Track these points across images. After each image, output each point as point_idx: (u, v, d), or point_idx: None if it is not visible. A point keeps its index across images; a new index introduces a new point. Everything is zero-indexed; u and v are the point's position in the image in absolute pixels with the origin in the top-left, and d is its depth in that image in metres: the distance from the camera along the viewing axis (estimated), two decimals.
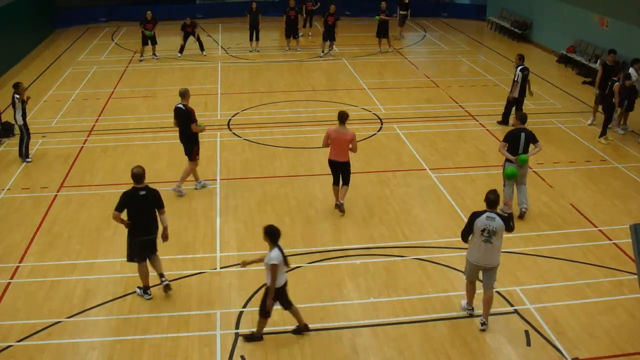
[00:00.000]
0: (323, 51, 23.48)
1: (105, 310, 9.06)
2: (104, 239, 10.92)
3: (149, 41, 22.35)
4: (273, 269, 7.83)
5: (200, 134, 12.44)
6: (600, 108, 15.89)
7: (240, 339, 8.43)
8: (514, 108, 15.67)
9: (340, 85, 19.84)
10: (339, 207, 11.73)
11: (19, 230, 11.23)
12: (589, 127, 16.18)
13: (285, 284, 8.13)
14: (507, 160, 11.44)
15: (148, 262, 9.17)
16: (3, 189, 12.80)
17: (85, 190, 12.77)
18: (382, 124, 16.35)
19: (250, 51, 23.91)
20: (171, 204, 11.87)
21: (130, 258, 9.14)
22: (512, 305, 9.16)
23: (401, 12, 26.35)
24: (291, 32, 23.87)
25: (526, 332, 8.63)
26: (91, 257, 10.39)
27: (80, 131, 15.87)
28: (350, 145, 11.37)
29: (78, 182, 13.13)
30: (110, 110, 17.48)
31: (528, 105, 16.73)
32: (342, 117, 11.33)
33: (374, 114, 17.16)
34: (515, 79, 15.65)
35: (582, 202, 12.33)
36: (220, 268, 10.11)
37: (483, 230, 8.29)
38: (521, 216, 11.56)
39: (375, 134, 15.72)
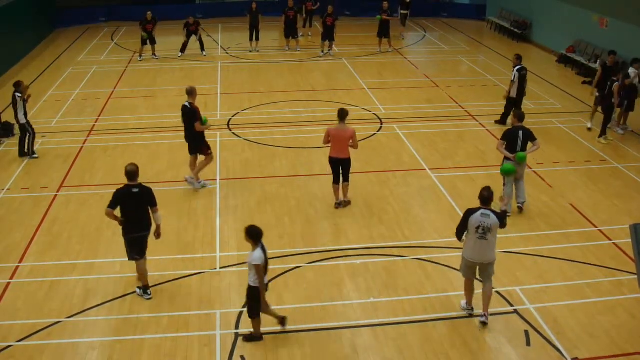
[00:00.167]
0: (323, 51, 23.47)
1: (105, 310, 9.06)
2: (104, 239, 10.92)
3: (148, 41, 22.36)
4: (257, 269, 7.86)
5: (203, 132, 12.44)
6: (600, 108, 15.87)
7: (240, 339, 8.43)
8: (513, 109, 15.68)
9: (340, 85, 19.83)
10: (344, 203, 11.79)
11: (19, 230, 11.23)
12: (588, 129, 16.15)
13: (265, 285, 8.13)
14: (505, 158, 11.48)
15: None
16: (3, 189, 12.80)
17: (85, 190, 12.77)
18: (382, 124, 16.35)
19: (250, 51, 23.91)
20: (171, 204, 11.90)
21: (131, 256, 9.15)
22: (511, 305, 9.16)
23: (402, 12, 26.36)
24: (290, 32, 23.85)
25: (526, 332, 8.63)
26: (91, 257, 10.39)
27: (80, 131, 15.87)
28: (351, 142, 11.40)
29: (78, 182, 13.14)
30: (110, 110, 17.48)
31: (528, 105, 16.74)
32: (342, 115, 11.37)
33: (373, 114, 17.16)
34: (513, 79, 15.68)
35: (582, 202, 12.33)
36: (220, 268, 10.11)
37: (478, 227, 8.32)
38: (520, 210, 11.58)
39: (375, 134, 15.72)
